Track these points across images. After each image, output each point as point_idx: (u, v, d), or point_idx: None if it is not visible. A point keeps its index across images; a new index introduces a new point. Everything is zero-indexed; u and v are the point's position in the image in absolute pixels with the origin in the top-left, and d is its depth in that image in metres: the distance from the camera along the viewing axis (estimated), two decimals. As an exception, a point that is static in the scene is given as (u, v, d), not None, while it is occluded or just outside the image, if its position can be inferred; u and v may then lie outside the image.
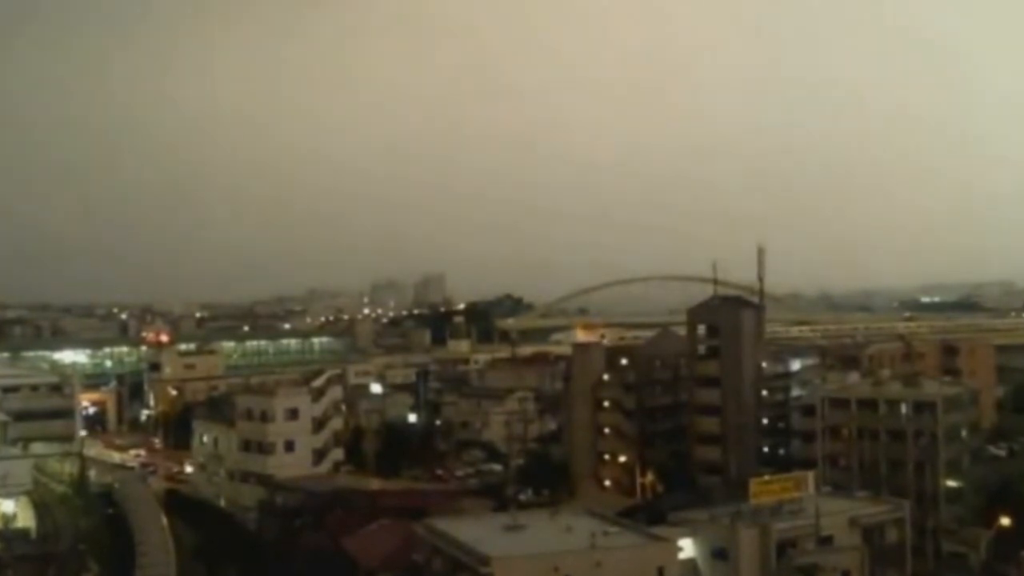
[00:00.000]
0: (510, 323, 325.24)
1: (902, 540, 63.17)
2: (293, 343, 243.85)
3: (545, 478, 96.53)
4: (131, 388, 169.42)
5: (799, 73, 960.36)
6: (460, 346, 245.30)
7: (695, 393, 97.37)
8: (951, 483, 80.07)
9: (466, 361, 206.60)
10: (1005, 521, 74.97)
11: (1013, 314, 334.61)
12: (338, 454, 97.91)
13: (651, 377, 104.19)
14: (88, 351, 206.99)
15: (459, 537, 52.39)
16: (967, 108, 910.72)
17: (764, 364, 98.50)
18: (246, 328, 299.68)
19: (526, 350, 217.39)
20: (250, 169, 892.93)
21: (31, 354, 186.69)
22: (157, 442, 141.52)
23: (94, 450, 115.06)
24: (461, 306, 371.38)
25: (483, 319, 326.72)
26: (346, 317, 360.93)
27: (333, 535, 68.69)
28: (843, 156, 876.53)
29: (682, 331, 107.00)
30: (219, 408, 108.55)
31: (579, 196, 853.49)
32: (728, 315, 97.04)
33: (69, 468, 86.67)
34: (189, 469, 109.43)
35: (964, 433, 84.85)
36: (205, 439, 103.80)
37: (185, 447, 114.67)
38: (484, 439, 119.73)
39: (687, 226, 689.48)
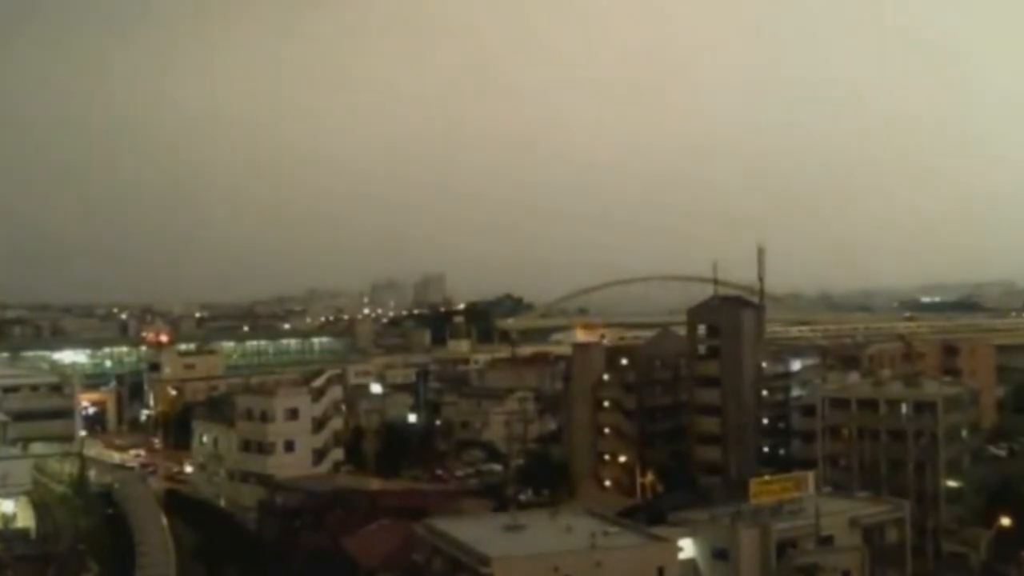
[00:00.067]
0: (510, 323, 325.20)
1: (902, 540, 63.14)
2: (293, 343, 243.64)
3: (545, 478, 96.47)
4: (131, 388, 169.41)
5: (799, 73, 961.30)
6: (460, 346, 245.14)
7: (695, 393, 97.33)
8: (951, 483, 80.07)
9: (466, 361, 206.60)
10: (1005, 521, 75.02)
11: (1013, 314, 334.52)
12: (338, 454, 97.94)
13: (651, 377, 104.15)
14: (88, 351, 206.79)
15: (459, 537, 52.34)
16: (967, 108, 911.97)
17: (764, 364, 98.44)
18: (246, 328, 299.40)
19: (526, 350, 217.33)
20: (250, 169, 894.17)
21: (31, 354, 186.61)
22: (157, 442, 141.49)
23: (94, 450, 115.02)
24: (461, 306, 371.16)
25: (483, 319, 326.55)
26: (346, 317, 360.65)
27: (333, 535, 68.64)
28: (843, 156, 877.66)
29: (682, 331, 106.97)
30: (219, 408, 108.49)
31: (579, 196, 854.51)
32: (728, 315, 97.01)
33: (69, 468, 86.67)
34: (189, 469, 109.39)
35: (964, 433, 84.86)
36: (205, 439, 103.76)
37: (185, 447, 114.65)
38: (484, 439, 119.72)
39: (687, 226, 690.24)
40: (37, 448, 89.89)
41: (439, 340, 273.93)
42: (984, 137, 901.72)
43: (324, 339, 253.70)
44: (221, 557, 72.46)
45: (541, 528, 54.93)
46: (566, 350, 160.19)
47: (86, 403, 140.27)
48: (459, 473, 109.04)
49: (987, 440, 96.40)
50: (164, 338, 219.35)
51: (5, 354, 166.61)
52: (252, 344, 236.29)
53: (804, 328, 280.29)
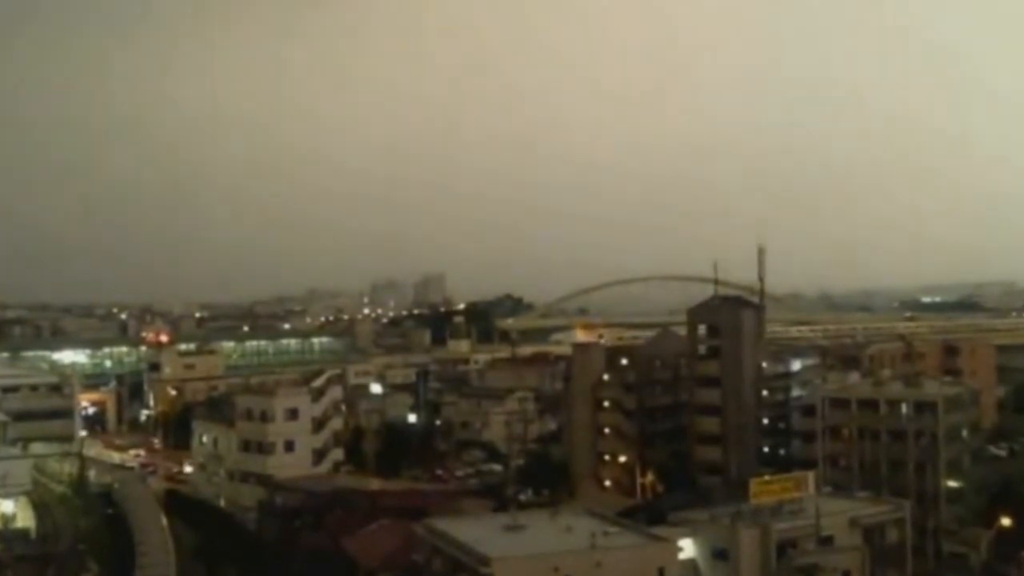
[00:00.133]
0: (510, 323, 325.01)
1: (903, 540, 63.09)
2: (293, 343, 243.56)
3: (545, 478, 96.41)
4: (131, 388, 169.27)
5: (799, 73, 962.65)
6: (460, 346, 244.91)
7: (695, 393, 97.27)
8: (952, 483, 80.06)
9: (466, 361, 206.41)
10: (1006, 521, 75.03)
11: (1014, 314, 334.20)
12: (338, 454, 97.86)
13: (651, 377, 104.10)
14: (88, 351, 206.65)
15: (459, 537, 52.28)
16: (967, 108, 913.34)
17: (764, 364, 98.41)
18: (246, 328, 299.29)
19: (526, 350, 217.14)
20: (250, 169, 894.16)
21: (31, 354, 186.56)
22: (157, 442, 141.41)
23: (94, 450, 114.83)
24: (461, 306, 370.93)
25: (483, 319, 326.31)
26: (346, 317, 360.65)
27: (333, 535, 68.60)
28: (843, 156, 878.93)
29: (682, 331, 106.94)
30: (219, 408, 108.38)
31: (579, 196, 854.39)
32: (728, 315, 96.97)
33: (69, 468, 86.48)
34: (189, 469, 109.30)
35: (965, 433, 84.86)
36: (205, 439, 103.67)
37: (185, 447, 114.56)
38: (484, 439, 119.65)
39: (687, 226, 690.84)
40: (37, 448, 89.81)
41: (439, 340, 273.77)
42: (984, 137, 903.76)
43: (324, 339, 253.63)
44: (221, 557, 72.42)
45: (541, 528, 54.86)
46: (566, 350, 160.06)
47: (86, 403, 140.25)
48: (459, 473, 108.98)
49: (987, 440, 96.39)
50: (164, 338, 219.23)
51: (5, 354, 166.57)
52: (252, 344, 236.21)
53: (804, 328, 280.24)
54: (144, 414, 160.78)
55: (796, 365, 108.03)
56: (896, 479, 78.48)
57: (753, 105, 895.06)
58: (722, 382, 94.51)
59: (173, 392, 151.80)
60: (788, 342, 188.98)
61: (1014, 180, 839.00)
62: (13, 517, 72.77)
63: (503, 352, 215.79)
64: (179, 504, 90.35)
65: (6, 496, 72.41)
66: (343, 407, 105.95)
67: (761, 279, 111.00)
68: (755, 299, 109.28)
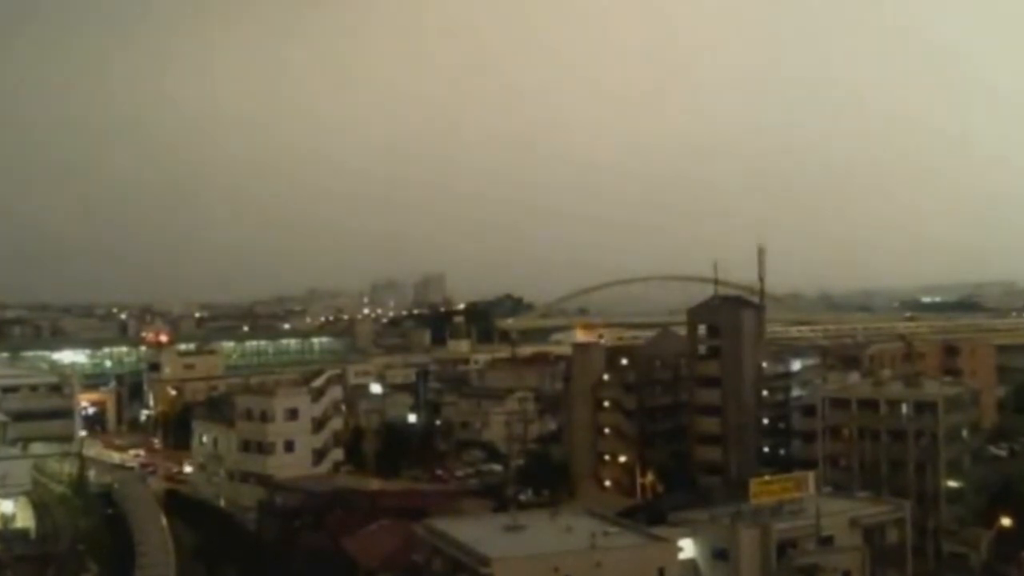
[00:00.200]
0: (510, 323, 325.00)
1: (903, 540, 63.06)
2: (293, 343, 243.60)
3: (545, 478, 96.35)
4: (131, 388, 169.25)
5: (799, 73, 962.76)
6: (460, 346, 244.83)
7: (695, 393, 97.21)
8: (952, 483, 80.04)
9: (466, 361, 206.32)
10: (1006, 521, 75.07)
11: (1014, 314, 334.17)
12: (338, 454, 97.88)
13: (651, 377, 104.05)
14: (88, 351, 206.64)
15: (459, 537, 52.25)
16: (967, 108, 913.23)
17: (764, 364, 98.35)
18: (246, 328, 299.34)
19: (526, 350, 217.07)
20: (250, 169, 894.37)
21: (30, 354, 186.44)
22: (157, 442, 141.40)
23: (93, 450, 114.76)
24: (461, 306, 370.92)
25: (483, 319, 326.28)
26: (346, 317, 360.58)
27: (333, 535, 68.58)
28: (843, 156, 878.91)
29: (682, 331, 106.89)
30: (219, 408, 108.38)
31: (579, 196, 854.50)
32: (728, 315, 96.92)
33: (68, 468, 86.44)
34: (189, 469, 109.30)
35: (965, 433, 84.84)
36: (205, 439, 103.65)
37: (185, 447, 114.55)
38: (484, 439, 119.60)
39: (687, 226, 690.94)
40: (37, 448, 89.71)
41: (439, 340, 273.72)
42: (984, 137, 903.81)
43: (324, 339, 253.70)
44: (221, 557, 72.40)
45: (541, 528, 54.83)
46: (566, 350, 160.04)
47: (86, 403, 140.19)
48: (459, 473, 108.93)
49: (988, 440, 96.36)
50: (164, 338, 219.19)
51: (5, 354, 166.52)
52: (252, 344, 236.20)
53: (804, 328, 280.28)
54: (144, 414, 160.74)
55: (796, 365, 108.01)
56: (896, 479, 78.46)
57: (753, 105, 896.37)
58: (722, 382, 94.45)
59: (173, 392, 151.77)
60: (788, 342, 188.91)
61: (1014, 180, 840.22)
62: (13, 517, 72.72)
63: (503, 352, 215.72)
64: (179, 504, 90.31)
65: (6, 496, 72.33)
66: (343, 407, 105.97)
67: (761, 279, 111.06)
68: (755, 299, 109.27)
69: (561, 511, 61.39)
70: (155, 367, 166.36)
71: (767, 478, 63.58)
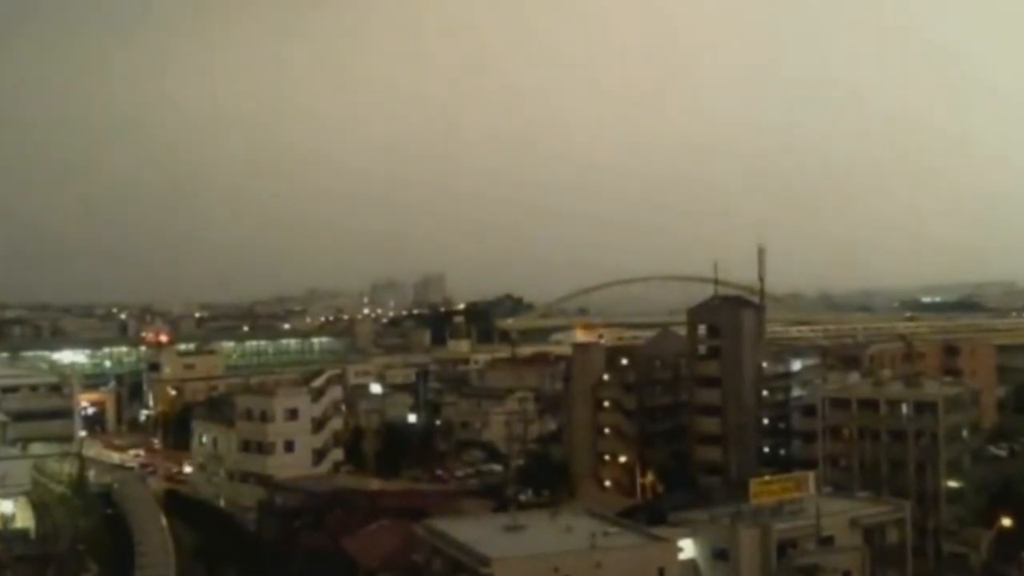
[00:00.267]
0: (510, 323, 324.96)
1: (903, 540, 63.06)
2: (293, 343, 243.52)
3: (545, 478, 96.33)
4: (130, 388, 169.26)
5: (799, 73, 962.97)
6: (460, 346, 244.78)
7: (695, 393, 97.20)
8: (952, 483, 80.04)
9: (466, 361, 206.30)
10: (1006, 521, 75.03)
11: (1014, 314, 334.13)
12: (338, 454, 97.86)
13: (651, 377, 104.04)
14: (87, 351, 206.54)
15: (459, 537, 52.25)
16: (967, 108, 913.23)
17: (764, 364, 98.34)
18: (246, 328, 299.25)
19: (526, 350, 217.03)
20: (250, 169, 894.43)
21: (30, 354, 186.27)
22: (156, 442, 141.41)
23: (93, 450, 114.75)
24: (461, 306, 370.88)
25: (483, 319, 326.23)
26: (346, 317, 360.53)
27: (333, 535, 68.56)
28: (843, 156, 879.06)
29: (682, 331, 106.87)
30: (219, 408, 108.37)
31: (579, 196, 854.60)
32: (728, 315, 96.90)
33: (68, 468, 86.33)
34: (188, 469, 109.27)
35: (965, 433, 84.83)
36: (204, 439, 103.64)
37: (185, 447, 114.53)
38: (484, 439, 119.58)
39: (687, 226, 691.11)
40: (36, 448, 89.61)
41: (439, 340, 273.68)
42: (984, 137, 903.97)
43: (324, 339, 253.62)
44: (221, 557, 72.39)
45: (541, 528, 54.83)
46: (566, 350, 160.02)
47: (85, 403, 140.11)
48: (459, 473, 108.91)
49: (988, 440, 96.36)
50: (164, 338, 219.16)
51: (5, 354, 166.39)
52: (252, 344, 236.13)
53: (804, 328, 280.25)
54: (144, 414, 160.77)
55: (796, 365, 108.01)
56: (896, 479, 78.45)
57: (753, 105, 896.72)
58: (722, 382, 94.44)
59: (173, 392, 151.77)
60: (788, 342, 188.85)
61: (1014, 180, 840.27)
62: (13, 517, 72.68)
63: (503, 352, 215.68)
64: (179, 504, 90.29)
65: (6, 496, 72.28)
66: (343, 407, 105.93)
67: (761, 279, 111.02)
68: (755, 299, 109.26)
69: (561, 511, 61.40)
70: (155, 367, 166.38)
71: (767, 478, 63.56)
